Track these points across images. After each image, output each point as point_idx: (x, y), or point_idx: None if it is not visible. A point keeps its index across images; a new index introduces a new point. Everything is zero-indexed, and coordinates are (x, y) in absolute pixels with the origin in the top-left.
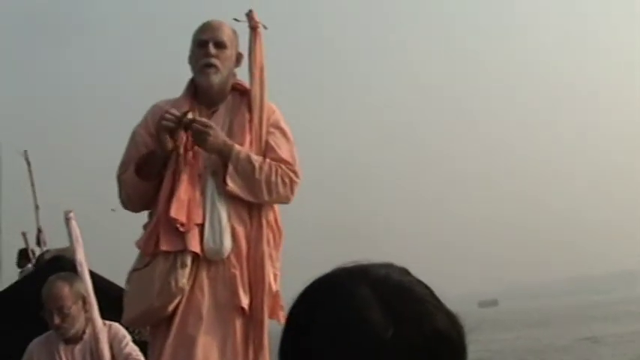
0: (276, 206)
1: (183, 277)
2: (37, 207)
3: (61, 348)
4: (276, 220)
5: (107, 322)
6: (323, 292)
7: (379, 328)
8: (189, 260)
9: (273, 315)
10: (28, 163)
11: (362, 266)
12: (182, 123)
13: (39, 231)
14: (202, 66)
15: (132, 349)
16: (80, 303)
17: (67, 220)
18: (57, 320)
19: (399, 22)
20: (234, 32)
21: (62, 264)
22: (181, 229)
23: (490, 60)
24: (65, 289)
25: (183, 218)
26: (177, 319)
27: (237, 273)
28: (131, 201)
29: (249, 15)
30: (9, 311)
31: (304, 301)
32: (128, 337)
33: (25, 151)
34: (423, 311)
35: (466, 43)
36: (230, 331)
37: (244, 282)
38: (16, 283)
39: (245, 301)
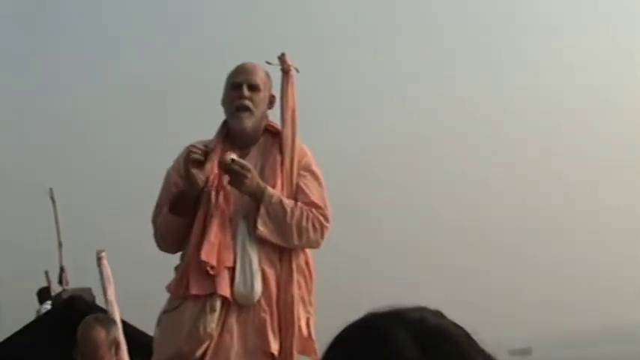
0: (308, 250)
1: (212, 322)
2: (60, 244)
3: None
4: (307, 264)
5: None
6: (358, 337)
7: None
8: (218, 304)
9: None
10: (53, 201)
11: (396, 310)
12: (222, 163)
13: (61, 269)
14: (236, 109)
15: None
16: (113, 349)
17: (99, 259)
18: None
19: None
20: (268, 75)
21: (77, 304)
22: (211, 272)
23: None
24: (102, 336)
25: (213, 261)
26: None
27: (267, 317)
28: (165, 242)
29: (282, 58)
30: (26, 350)
31: (339, 346)
32: None
33: (51, 189)
34: (459, 353)
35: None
36: None
37: (274, 326)
38: (32, 321)
39: (275, 347)
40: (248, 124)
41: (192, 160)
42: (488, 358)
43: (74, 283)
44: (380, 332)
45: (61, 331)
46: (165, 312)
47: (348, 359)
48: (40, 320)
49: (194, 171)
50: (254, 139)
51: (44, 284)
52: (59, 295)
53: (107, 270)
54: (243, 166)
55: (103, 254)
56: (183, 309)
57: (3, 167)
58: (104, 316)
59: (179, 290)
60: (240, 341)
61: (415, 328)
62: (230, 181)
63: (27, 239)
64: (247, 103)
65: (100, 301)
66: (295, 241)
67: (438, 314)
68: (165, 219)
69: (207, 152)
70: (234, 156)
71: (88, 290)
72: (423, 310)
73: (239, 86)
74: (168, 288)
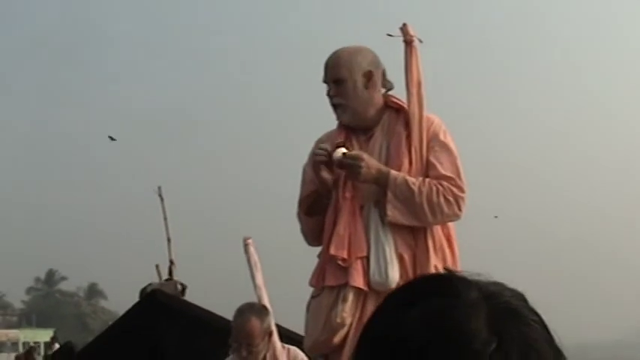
0: (451, 228)
1: (344, 312)
2: (169, 240)
3: None
4: (449, 239)
5: (286, 345)
6: (429, 284)
7: (481, 338)
8: (351, 295)
9: None
10: (162, 199)
11: (475, 278)
12: (335, 161)
13: (171, 263)
14: (332, 106)
15: None
16: (267, 338)
17: (246, 246)
18: (244, 353)
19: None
20: (356, 54)
21: (157, 297)
22: (343, 264)
23: None
24: (257, 326)
25: (343, 254)
26: (346, 351)
27: None
28: (306, 237)
29: (404, 29)
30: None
31: (405, 290)
32: None
33: (159, 187)
34: (528, 337)
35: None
36: None
37: None
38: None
39: None
40: (345, 118)
41: (317, 162)
42: (558, 351)
43: (182, 276)
44: (453, 285)
45: (146, 321)
46: (312, 297)
47: (411, 300)
48: (128, 311)
49: (322, 173)
50: (373, 120)
51: (155, 278)
52: (144, 289)
53: (254, 256)
54: (354, 157)
55: (250, 241)
56: (322, 298)
57: (117, 166)
58: (258, 306)
59: (318, 282)
60: None
61: (490, 296)
62: (346, 175)
63: (139, 235)
64: (336, 100)
65: (219, 292)
66: (430, 218)
67: (520, 296)
68: (303, 219)
69: (331, 154)
70: (343, 150)
71: (174, 284)
72: (502, 285)
73: (327, 84)
74: (310, 282)
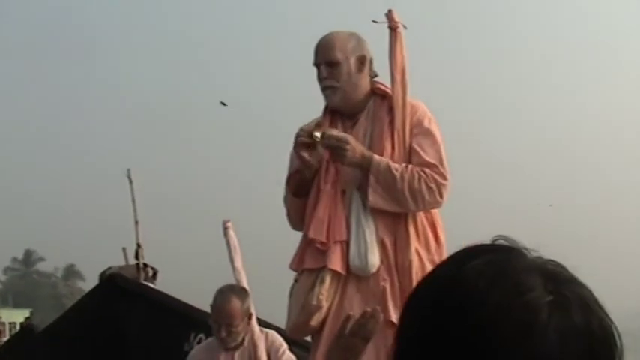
0: (435, 214)
1: (320, 294)
2: (136, 222)
3: (222, 355)
4: (433, 225)
5: (264, 329)
6: (489, 246)
7: (538, 290)
8: (328, 277)
9: None
10: (130, 181)
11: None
12: (319, 140)
13: (138, 246)
14: (322, 89)
15: (288, 357)
16: (246, 319)
17: (225, 229)
18: (223, 334)
19: None
20: (350, 38)
21: (116, 281)
22: (321, 247)
23: None
24: (237, 307)
25: (321, 237)
26: (325, 333)
27: (388, 286)
28: (290, 219)
29: (389, 15)
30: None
31: (465, 249)
32: (285, 346)
33: (128, 170)
34: (585, 295)
35: None
36: (381, 344)
37: (395, 294)
38: (83, 296)
39: (395, 315)
40: (336, 101)
41: (299, 144)
42: (607, 315)
43: (149, 258)
44: (511, 250)
45: (105, 303)
46: (294, 281)
47: (462, 264)
48: (89, 294)
49: (304, 154)
50: (359, 106)
51: (122, 261)
52: (104, 272)
53: (233, 239)
54: (339, 139)
55: (229, 224)
56: (300, 282)
57: (86, 149)
58: (238, 287)
59: (297, 265)
60: (361, 310)
61: (541, 264)
62: (331, 156)
63: (107, 217)
64: (328, 82)
65: (193, 273)
66: (411, 206)
67: (561, 265)
68: (288, 199)
69: (311, 134)
70: (318, 134)
71: (133, 267)
72: (551, 260)
73: (318, 67)
74: (290, 265)
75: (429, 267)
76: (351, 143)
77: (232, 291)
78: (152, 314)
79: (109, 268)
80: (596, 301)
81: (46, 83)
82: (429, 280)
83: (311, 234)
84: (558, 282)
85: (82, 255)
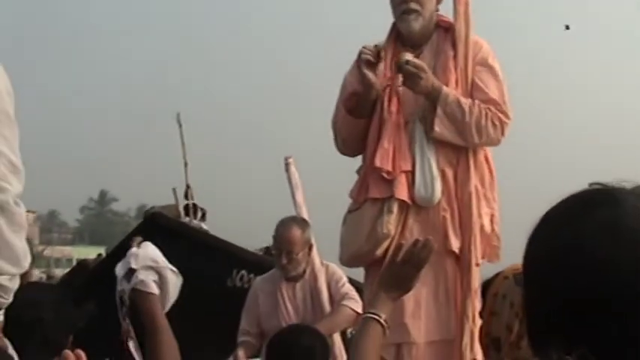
0: (488, 150)
1: (389, 223)
2: (186, 164)
3: (283, 285)
4: (487, 160)
5: (325, 262)
6: (595, 196)
7: None
8: (395, 207)
9: (485, 256)
10: (180, 125)
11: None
12: (397, 63)
13: (187, 187)
14: (402, 12)
15: (348, 289)
16: (307, 249)
17: (287, 165)
18: (284, 261)
19: None
20: None
21: (158, 220)
22: (387, 177)
23: None
24: (297, 235)
25: (388, 167)
26: (385, 265)
27: (448, 216)
28: (345, 144)
29: None
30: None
31: (574, 203)
32: (345, 278)
33: (178, 114)
34: None
35: None
36: (442, 275)
37: (455, 225)
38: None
39: (456, 245)
40: (415, 27)
41: (363, 60)
42: None
43: (199, 199)
44: (611, 196)
45: (145, 239)
46: (349, 211)
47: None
48: (131, 233)
49: (366, 71)
50: (425, 39)
51: (172, 200)
52: (147, 211)
53: (295, 175)
54: (417, 67)
55: (291, 160)
56: (364, 210)
57: (139, 92)
58: (301, 219)
59: (360, 195)
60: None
61: None
62: (404, 81)
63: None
64: (413, 5)
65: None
66: (475, 139)
67: None
68: (344, 121)
69: (378, 52)
70: (409, 56)
71: (174, 207)
72: None
73: None
74: (351, 194)
75: (484, 201)
76: (428, 72)
77: (293, 220)
78: (194, 252)
79: (152, 207)
80: None
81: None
82: (541, 243)
83: (377, 163)
84: None
85: (153, 195)
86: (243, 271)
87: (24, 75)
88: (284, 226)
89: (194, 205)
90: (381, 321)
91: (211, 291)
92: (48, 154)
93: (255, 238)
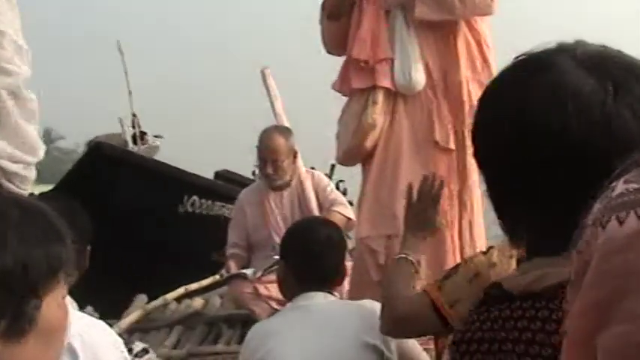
0: (485, 28)
1: (375, 113)
2: (130, 92)
3: (270, 196)
4: (479, 43)
5: (310, 170)
6: (535, 63)
7: (593, 90)
8: (380, 97)
9: None
10: (121, 53)
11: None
12: None
13: (133, 115)
14: None
15: (337, 194)
16: (292, 157)
17: (264, 76)
18: (269, 170)
19: None
20: None
21: (103, 149)
22: (364, 66)
23: None
24: (282, 143)
25: (364, 56)
26: (378, 154)
27: (434, 107)
28: (330, 45)
29: None
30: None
31: (516, 68)
32: (332, 185)
33: (118, 42)
34: (625, 65)
35: None
36: (430, 164)
37: (441, 115)
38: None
39: (439, 136)
40: None
41: None
42: None
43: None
44: (544, 60)
45: (92, 172)
46: (343, 111)
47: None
48: (76, 164)
49: None
50: None
51: (118, 129)
52: (91, 141)
53: (272, 85)
54: None
55: (267, 71)
56: (351, 105)
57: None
58: (284, 128)
59: (343, 86)
60: (409, 133)
61: (600, 61)
62: None
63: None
64: None
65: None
66: (458, 9)
67: (626, 55)
68: (325, 24)
69: None
70: None
71: (118, 135)
72: (609, 48)
73: None
74: (333, 86)
75: (476, 88)
76: None
77: (276, 129)
78: (142, 180)
79: (96, 137)
80: None
81: None
82: (491, 105)
83: (354, 54)
84: (620, 77)
85: (102, 129)
86: (195, 197)
87: None
88: (267, 136)
89: (142, 132)
90: (412, 259)
91: (163, 218)
92: None
93: (210, 164)
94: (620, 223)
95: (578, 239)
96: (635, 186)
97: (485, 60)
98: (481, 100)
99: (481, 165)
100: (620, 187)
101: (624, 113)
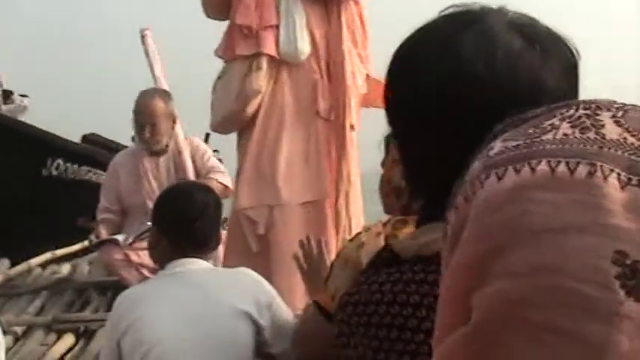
0: (363, 7)
1: (259, 79)
2: None
3: (146, 160)
4: (360, 16)
5: (188, 137)
6: (463, 16)
7: (527, 51)
8: (264, 63)
9: (369, 104)
10: None
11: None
12: None
13: None
14: None
15: (214, 162)
16: (170, 122)
17: (143, 37)
18: (147, 134)
19: None
20: None
21: None
22: (248, 33)
23: None
24: (160, 106)
25: (249, 22)
26: (259, 122)
27: (318, 77)
28: (206, 9)
29: None
30: None
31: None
32: (210, 152)
33: None
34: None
35: None
36: (313, 137)
37: (325, 87)
38: None
39: (323, 107)
40: None
41: None
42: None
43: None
44: (476, 14)
45: None
46: (218, 78)
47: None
48: None
49: None
50: None
51: None
52: None
53: (152, 47)
54: None
55: (147, 32)
56: (233, 70)
57: None
58: (163, 91)
59: (227, 53)
60: (292, 99)
61: (524, 23)
62: None
63: None
64: None
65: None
66: None
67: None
68: None
69: None
70: None
71: None
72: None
73: None
74: (216, 52)
75: (357, 61)
76: None
77: (155, 92)
78: (2, 140)
79: None
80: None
81: None
82: (414, 67)
83: (238, 19)
84: (542, 38)
85: None
86: (59, 160)
87: None
88: (145, 98)
89: (6, 92)
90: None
91: (25, 181)
92: None
93: (85, 127)
94: (499, 178)
95: (457, 198)
96: (514, 143)
97: (365, 35)
98: (402, 49)
99: (394, 119)
100: (498, 145)
101: (548, 77)
